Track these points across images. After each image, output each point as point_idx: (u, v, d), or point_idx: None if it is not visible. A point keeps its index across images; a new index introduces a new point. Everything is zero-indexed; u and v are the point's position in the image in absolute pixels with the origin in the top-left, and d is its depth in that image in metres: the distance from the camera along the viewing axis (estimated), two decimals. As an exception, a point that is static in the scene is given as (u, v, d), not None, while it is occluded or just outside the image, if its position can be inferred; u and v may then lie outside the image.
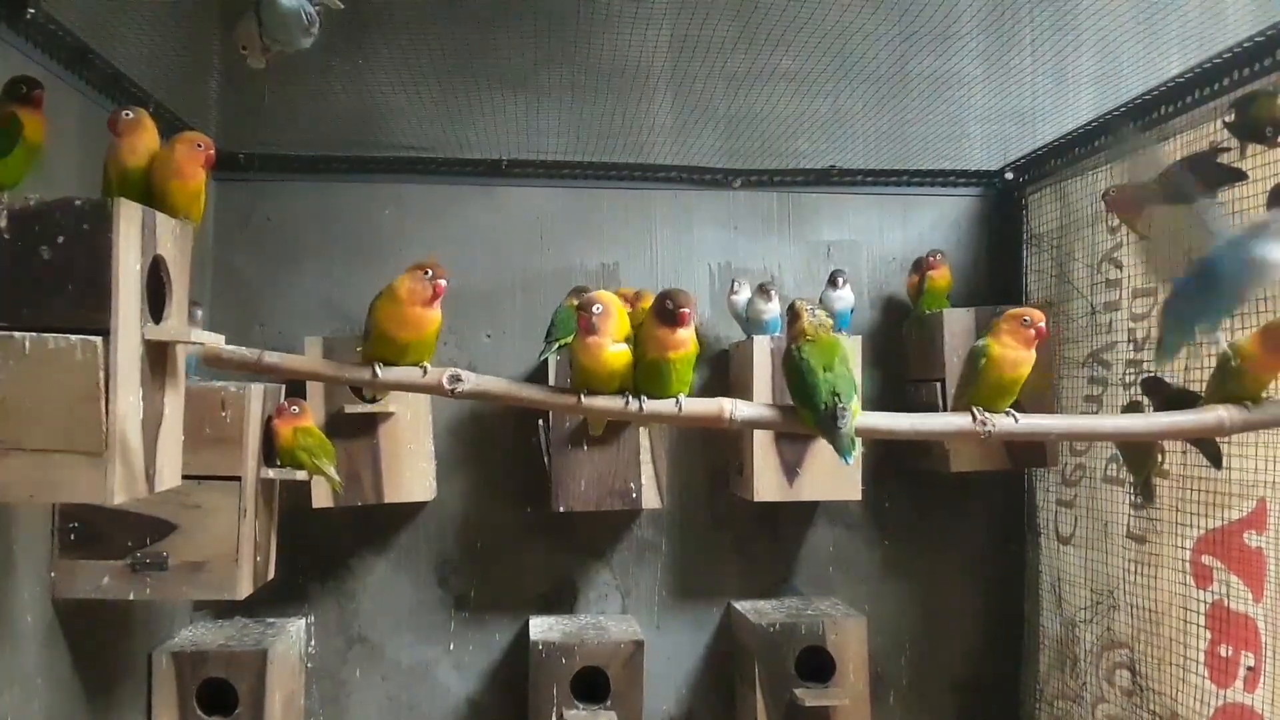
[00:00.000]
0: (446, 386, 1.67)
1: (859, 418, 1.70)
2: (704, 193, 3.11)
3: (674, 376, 1.71)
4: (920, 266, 2.96)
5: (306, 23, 1.86)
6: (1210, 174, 2.05)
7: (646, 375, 1.72)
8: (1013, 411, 1.79)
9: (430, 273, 1.69)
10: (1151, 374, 2.23)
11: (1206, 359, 2.20)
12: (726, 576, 3.07)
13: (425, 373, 1.69)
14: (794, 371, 1.72)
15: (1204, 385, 2.17)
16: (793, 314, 1.79)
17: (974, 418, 1.77)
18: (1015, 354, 1.80)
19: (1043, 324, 1.83)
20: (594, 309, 1.73)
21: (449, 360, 2.86)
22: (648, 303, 2.37)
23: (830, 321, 1.77)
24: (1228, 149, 2.04)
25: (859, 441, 1.69)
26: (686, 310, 1.70)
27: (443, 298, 1.71)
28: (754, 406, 1.81)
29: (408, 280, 1.70)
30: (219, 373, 2.41)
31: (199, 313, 2.54)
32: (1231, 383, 1.81)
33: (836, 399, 1.66)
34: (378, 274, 1.76)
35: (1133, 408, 2.21)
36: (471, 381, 1.68)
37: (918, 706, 3.11)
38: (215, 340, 1.61)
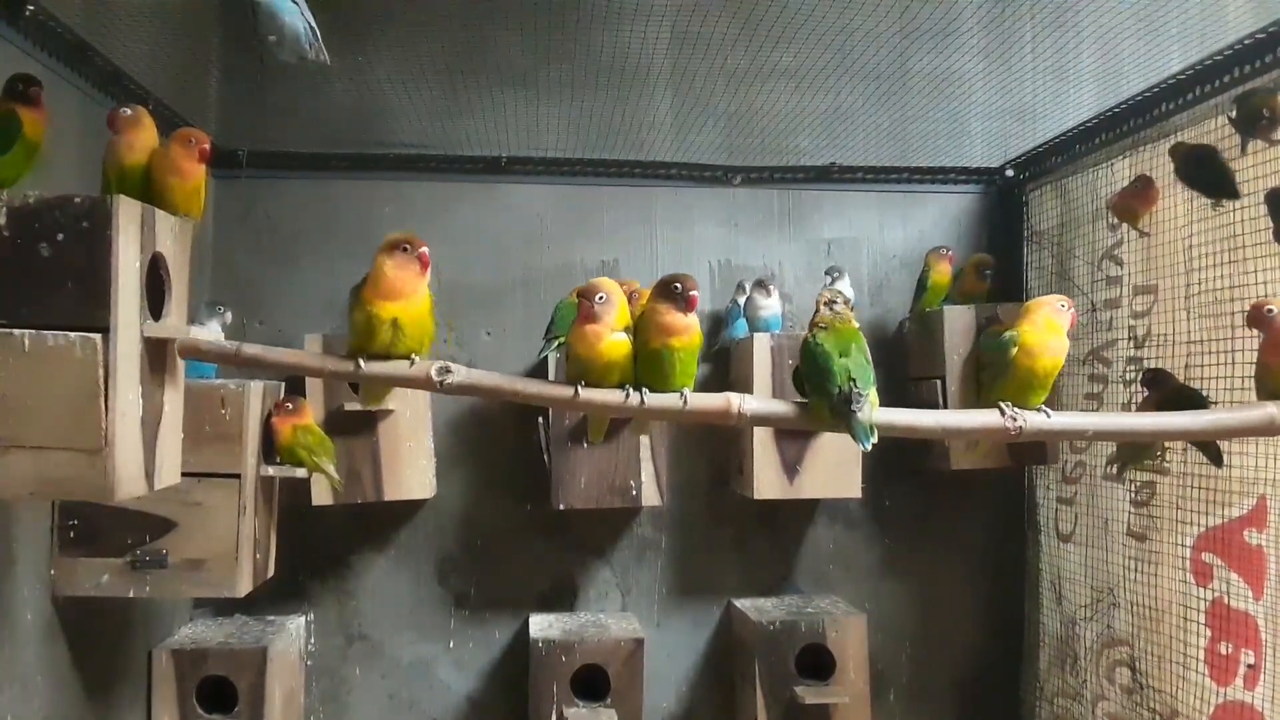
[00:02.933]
0: (435, 379, 1.60)
1: (879, 412, 1.63)
2: (704, 190, 3.11)
3: (678, 367, 1.64)
4: (982, 267, 2.88)
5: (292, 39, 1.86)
6: (1209, 176, 2.06)
7: (648, 365, 1.65)
8: (1045, 408, 1.70)
9: (408, 247, 1.62)
10: (1153, 368, 2.22)
11: (1208, 358, 2.20)
12: (727, 574, 3.07)
13: (413, 364, 1.62)
14: (809, 358, 1.68)
15: (1202, 385, 2.18)
16: (817, 304, 1.75)
17: (1002, 413, 1.67)
18: (1049, 341, 1.70)
19: (1075, 310, 1.76)
20: (597, 297, 1.66)
21: (448, 358, 2.84)
22: (644, 298, 2.36)
23: (850, 313, 1.72)
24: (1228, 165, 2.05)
25: (875, 429, 1.62)
26: (695, 294, 1.64)
27: (434, 285, 1.68)
28: (763, 401, 1.74)
29: (389, 260, 1.63)
30: (236, 371, 2.41)
31: (227, 314, 2.54)
32: (1266, 376, 1.75)
33: (853, 384, 1.59)
34: (378, 272, 1.74)
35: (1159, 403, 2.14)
36: (461, 374, 1.61)
37: (918, 704, 3.11)
38: (214, 338, 1.61)
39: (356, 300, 1.65)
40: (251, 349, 1.60)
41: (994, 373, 1.78)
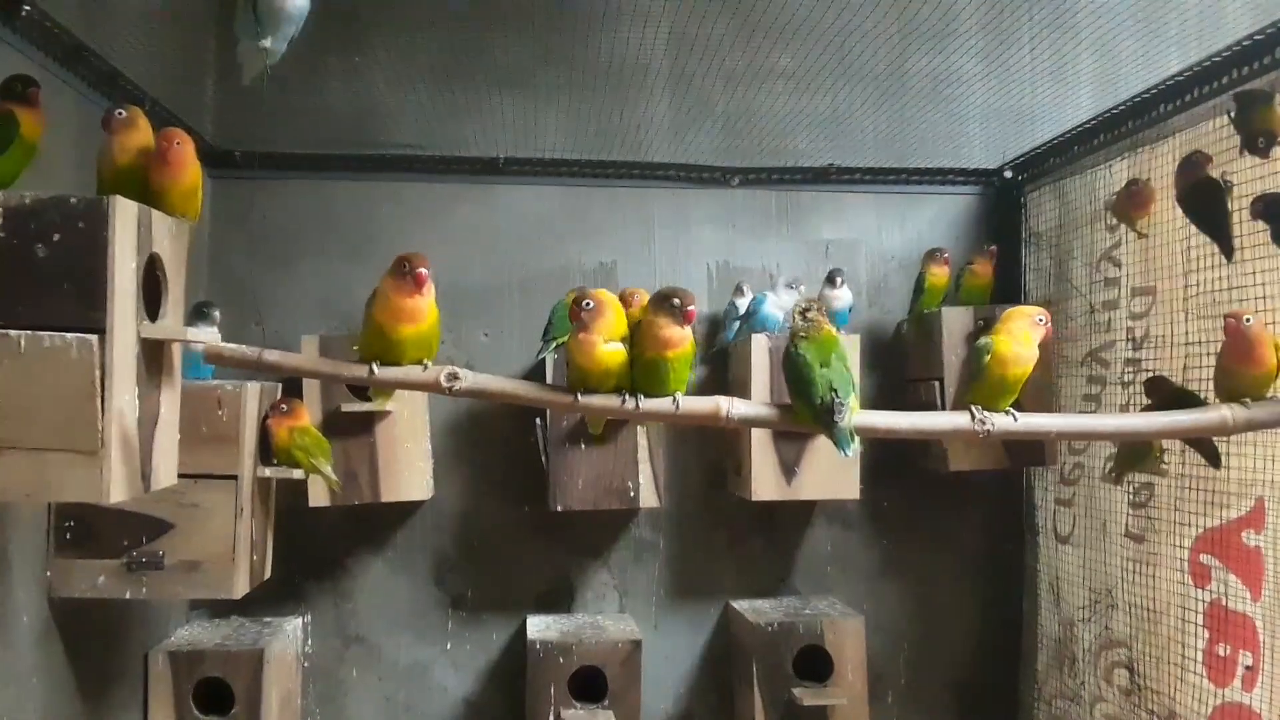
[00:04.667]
0: (444, 384, 1.66)
1: (858, 415, 1.70)
2: (702, 191, 3.11)
3: (672, 375, 1.71)
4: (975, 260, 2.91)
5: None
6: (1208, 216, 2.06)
7: (644, 373, 1.72)
8: (1012, 410, 1.79)
9: (408, 265, 1.67)
10: (1154, 374, 2.23)
11: (1206, 359, 2.20)
12: (724, 576, 3.07)
13: (425, 369, 1.68)
14: (791, 367, 1.75)
15: (1200, 387, 2.18)
16: (792, 315, 1.81)
17: (972, 416, 1.76)
18: (1021, 351, 1.79)
19: (1050, 323, 1.84)
20: (584, 304, 1.73)
21: (446, 359, 2.85)
22: (644, 301, 2.36)
23: (823, 319, 1.78)
24: (1230, 184, 2.05)
25: (857, 436, 1.70)
26: (693, 309, 1.70)
27: (433, 290, 1.69)
28: (750, 405, 1.81)
29: (391, 277, 1.69)
30: (232, 372, 2.40)
31: (216, 313, 2.54)
32: (1224, 380, 1.82)
33: (834, 394, 1.67)
34: (375, 273, 1.75)
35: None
36: (469, 379, 1.68)
37: (916, 706, 3.11)
38: (211, 340, 1.61)
39: (369, 316, 1.70)
40: (272, 355, 1.64)
41: (968, 376, 1.86)
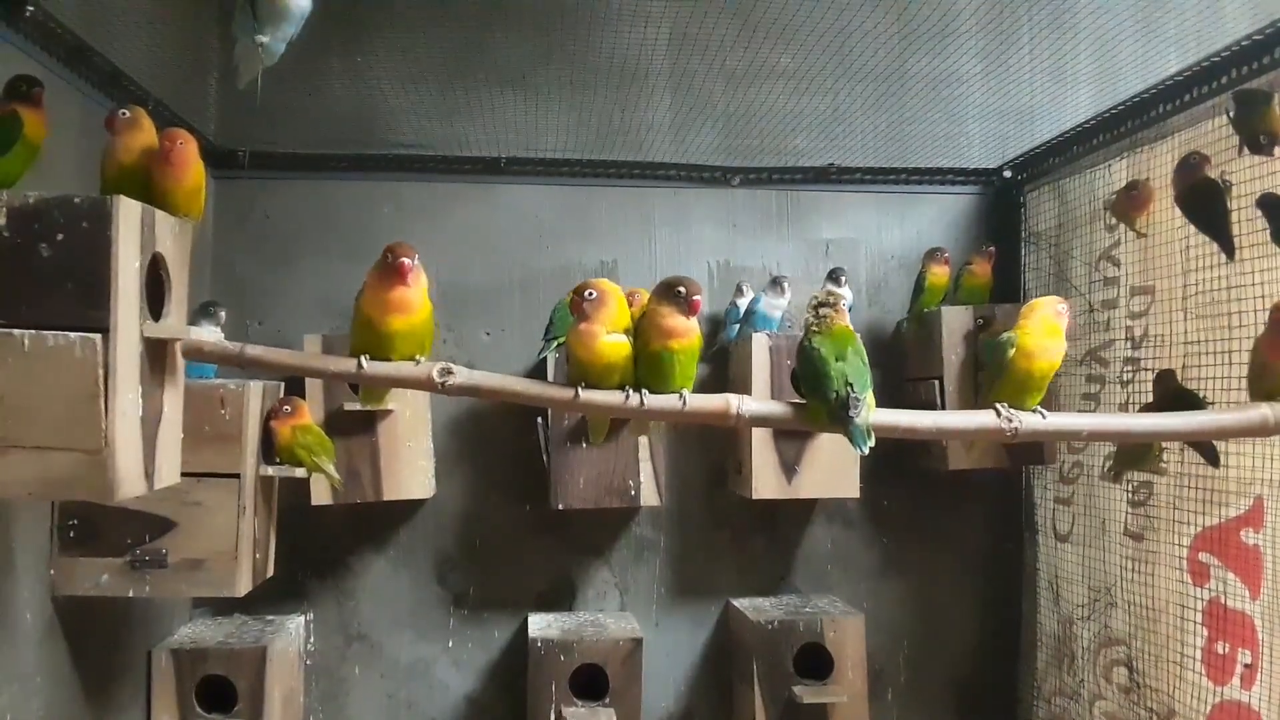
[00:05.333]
0: (437, 380, 1.60)
1: (877, 414, 1.64)
2: (703, 190, 3.11)
3: (677, 369, 1.64)
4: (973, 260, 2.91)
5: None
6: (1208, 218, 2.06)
7: (648, 367, 1.65)
8: (1040, 409, 1.71)
9: (391, 255, 1.62)
10: (1165, 369, 2.22)
11: (1205, 359, 2.21)
12: (725, 574, 3.08)
13: (417, 364, 1.63)
14: (805, 362, 1.68)
15: (1200, 386, 2.19)
16: (808, 308, 1.76)
17: (998, 414, 1.68)
18: (1048, 343, 1.72)
19: (1071, 313, 1.78)
20: (587, 293, 1.65)
21: (448, 359, 2.85)
22: (645, 301, 2.36)
23: (837, 313, 1.71)
24: (1229, 184, 2.05)
25: (873, 432, 1.62)
26: (699, 298, 1.64)
27: (424, 283, 1.66)
28: (761, 402, 1.74)
29: (376, 268, 1.65)
30: (234, 371, 2.41)
31: (222, 313, 2.54)
32: (1261, 378, 1.75)
33: (850, 389, 1.60)
34: (377, 272, 1.74)
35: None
36: (463, 375, 1.62)
37: (916, 704, 3.11)
38: (213, 338, 1.61)
39: (357, 309, 1.66)
40: (254, 350, 1.60)
41: (991, 374, 1.78)
